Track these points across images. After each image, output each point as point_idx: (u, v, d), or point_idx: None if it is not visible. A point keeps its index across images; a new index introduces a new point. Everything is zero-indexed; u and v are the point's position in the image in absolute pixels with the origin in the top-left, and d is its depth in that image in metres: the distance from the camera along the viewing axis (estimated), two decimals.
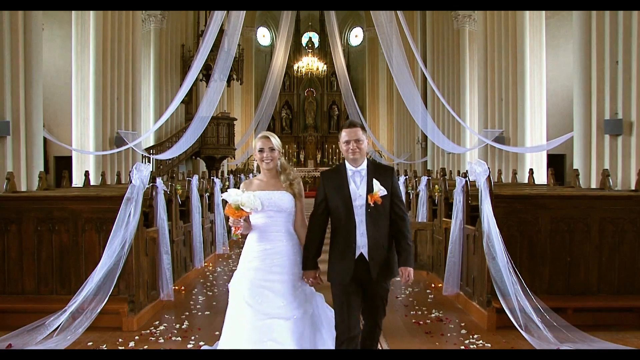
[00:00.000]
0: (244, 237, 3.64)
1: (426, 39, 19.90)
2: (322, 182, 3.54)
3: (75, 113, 13.64)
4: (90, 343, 4.77)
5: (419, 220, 8.37)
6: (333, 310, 3.51)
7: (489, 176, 5.40)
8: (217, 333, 3.70)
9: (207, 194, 9.80)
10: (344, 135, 3.44)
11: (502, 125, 13.28)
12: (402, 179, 10.36)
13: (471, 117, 17.34)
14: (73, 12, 13.55)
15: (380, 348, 4.17)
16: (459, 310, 5.94)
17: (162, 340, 4.90)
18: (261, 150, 3.57)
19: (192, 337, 4.93)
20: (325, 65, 28.17)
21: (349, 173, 3.45)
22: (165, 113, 14.68)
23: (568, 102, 11.86)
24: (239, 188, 3.58)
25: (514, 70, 13.10)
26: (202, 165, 19.57)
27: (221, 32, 14.75)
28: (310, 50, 28.68)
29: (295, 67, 28.16)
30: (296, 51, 28.29)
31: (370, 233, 3.36)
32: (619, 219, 5.56)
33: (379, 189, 3.33)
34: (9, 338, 4.64)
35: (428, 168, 17.74)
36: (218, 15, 13.66)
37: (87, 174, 10.57)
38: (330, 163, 26.84)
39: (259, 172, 3.75)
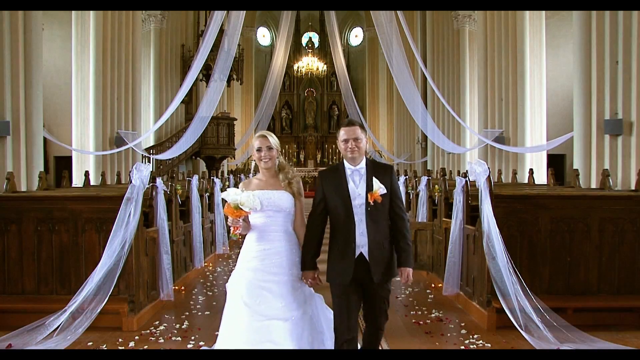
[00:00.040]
0: (244, 237, 3.61)
1: (426, 39, 19.90)
2: (321, 181, 3.50)
3: (75, 113, 13.65)
4: (90, 343, 4.77)
5: (419, 220, 8.37)
6: (332, 311, 3.48)
7: (489, 176, 5.40)
8: (217, 333, 3.69)
9: (207, 194, 9.80)
10: (342, 133, 3.41)
11: (502, 125, 13.27)
12: (402, 179, 10.36)
13: (471, 117, 17.34)
14: (73, 12, 13.55)
15: (380, 348, 4.16)
16: (459, 310, 5.94)
17: (162, 340, 4.90)
18: (259, 150, 3.55)
19: (192, 337, 4.93)
20: (325, 65, 28.18)
21: (348, 172, 3.41)
22: (165, 113, 14.68)
23: (568, 102, 11.86)
24: (238, 188, 3.57)
25: (514, 70, 13.09)
26: (202, 165, 19.56)
27: (221, 32, 14.75)
28: (310, 50, 28.69)
29: (295, 67, 28.16)
30: (296, 51, 28.30)
31: (370, 232, 3.33)
32: (619, 219, 5.56)
33: (379, 187, 3.29)
34: (9, 338, 4.64)
35: (428, 168, 17.74)
36: (218, 15, 13.66)
37: (87, 174, 10.57)
38: (330, 163, 26.83)
39: (256, 173, 3.74)
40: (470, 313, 5.73)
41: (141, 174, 5.32)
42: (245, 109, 27.63)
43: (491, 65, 13.50)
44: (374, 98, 28.82)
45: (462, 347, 4.72)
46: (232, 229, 3.43)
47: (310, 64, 28.07)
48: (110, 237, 5.12)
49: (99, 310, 4.93)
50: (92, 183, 11.33)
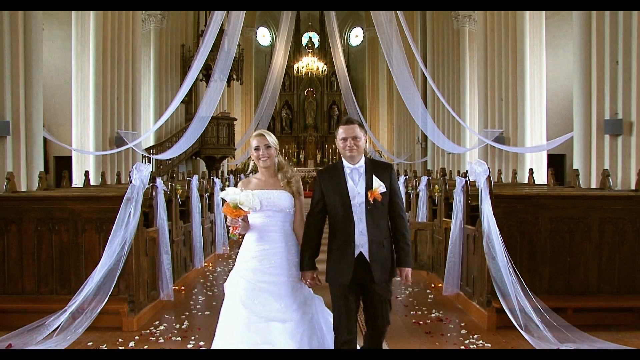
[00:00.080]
0: (244, 236, 3.58)
1: (426, 39, 19.90)
2: (319, 180, 3.45)
3: (75, 113, 13.65)
4: (90, 343, 4.77)
5: (419, 220, 8.37)
6: (332, 314, 3.45)
7: (489, 176, 5.40)
8: None
9: (207, 194, 9.80)
10: (341, 132, 3.37)
11: (502, 125, 13.28)
12: (402, 179, 10.35)
13: (471, 117, 17.34)
14: (73, 12, 13.56)
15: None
16: (459, 310, 5.94)
17: (162, 340, 4.90)
18: (257, 148, 3.52)
19: (192, 337, 4.93)
20: (325, 65, 28.18)
21: (347, 171, 3.37)
22: (165, 113, 14.68)
23: (568, 102, 11.86)
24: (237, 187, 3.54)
25: (514, 70, 13.10)
26: (202, 165, 19.57)
27: (221, 32, 14.76)
28: (310, 50, 28.68)
29: (295, 67, 28.16)
30: (296, 51, 28.29)
31: (370, 231, 3.29)
32: (619, 219, 5.56)
33: (379, 185, 3.26)
34: (9, 338, 4.64)
35: (428, 168, 17.75)
36: (218, 15, 13.66)
37: (87, 174, 10.58)
38: (330, 163, 26.76)
39: (253, 172, 3.71)
40: (470, 313, 5.72)
41: (141, 174, 5.31)
42: (245, 109, 27.63)
43: (491, 65, 13.50)
44: (374, 98, 28.82)
45: (462, 347, 4.72)
46: (231, 228, 3.39)
47: (310, 64, 28.07)
48: (110, 237, 5.12)
49: (99, 310, 4.93)
50: (92, 183, 11.34)
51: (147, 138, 16.59)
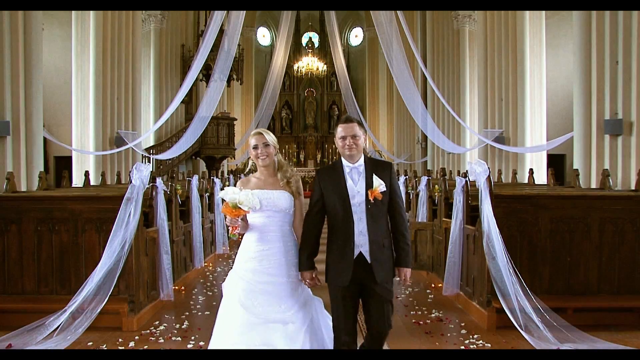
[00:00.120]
0: (243, 236, 3.55)
1: (426, 39, 19.90)
2: (318, 179, 3.40)
3: (75, 113, 13.65)
4: (90, 343, 4.77)
5: (419, 220, 8.37)
6: (331, 316, 3.41)
7: (489, 176, 5.40)
8: None
9: (207, 194, 9.81)
10: (340, 130, 3.33)
11: (502, 125, 13.28)
12: (402, 179, 10.36)
13: (471, 117, 17.34)
14: (73, 12, 13.55)
15: None
16: (459, 310, 5.94)
17: (162, 340, 4.90)
18: (255, 147, 3.48)
19: (192, 337, 4.93)
20: (325, 65, 28.18)
21: (346, 170, 3.32)
22: (165, 113, 14.69)
23: (568, 102, 11.86)
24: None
25: (514, 70, 13.10)
26: (202, 165, 19.57)
27: (221, 32, 14.76)
28: (310, 50, 28.68)
29: (295, 67, 28.16)
30: (296, 51, 28.29)
31: (370, 231, 3.24)
32: (619, 219, 5.56)
33: (380, 184, 3.22)
34: (9, 338, 4.64)
35: (428, 168, 17.75)
36: (218, 15, 13.67)
37: (87, 174, 10.58)
38: (330, 163, 26.78)
39: (252, 172, 3.68)
40: (470, 313, 5.72)
41: (141, 174, 5.31)
42: (245, 109, 27.63)
43: (491, 65, 13.50)
44: (374, 98, 28.81)
45: (462, 347, 4.72)
46: (230, 228, 3.35)
47: (310, 64, 28.07)
48: (110, 237, 5.12)
49: (99, 310, 4.93)
50: (92, 183, 11.34)
51: (147, 138, 16.60)
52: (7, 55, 8.41)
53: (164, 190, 6.33)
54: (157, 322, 5.44)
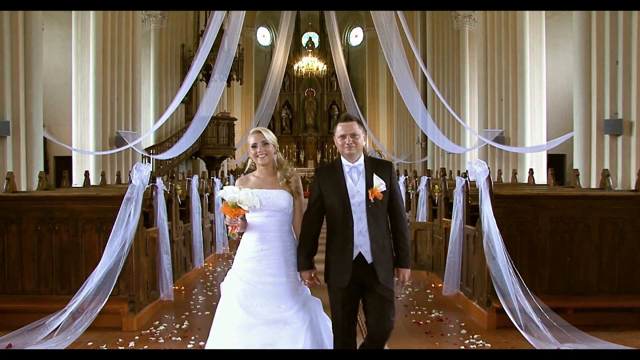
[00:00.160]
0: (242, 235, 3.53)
1: (426, 39, 19.90)
2: (317, 178, 3.35)
3: (75, 113, 13.65)
4: (90, 343, 4.77)
5: (419, 220, 8.37)
6: (330, 319, 3.39)
7: (489, 176, 5.40)
8: None
9: (207, 194, 9.81)
10: (339, 129, 3.29)
11: (502, 125, 13.28)
12: (402, 179, 10.35)
13: (471, 117, 17.34)
14: (73, 12, 13.55)
15: None
16: (459, 310, 5.94)
17: (162, 340, 4.90)
18: (254, 146, 3.45)
19: (192, 337, 4.93)
20: (325, 65, 28.18)
21: (346, 169, 3.28)
22: (165, 113, 14.69)
23: (568, 102, 11.86)
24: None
25: (514, 70, 13.10)
26: (202, 165, 19.57)
27: (221, 32, 14.76)
28: (310, 50, 28.68)
29: (295, 67, 28.16)
30: (296, 51, 28.29)
31: (370, 231, 3.20)
32: (619, 219, 5.56)
33: (380, 184, 3.18)
34: (9, 338, 4.64)
35: (428, 168, 17.74)
36: (218, 15, 13.67)
37: (87, 174, 10.58)
38: (330, 162, 26.74)
39: (251, 171, 3.65)
40: (470, 313, 5.72)
41: (141, 174, 5.31)
42: (245, 109, 27.62)
43: (491, 65, 13.50)
44: (374, 98, 28.81)
45: (462, 347, 4.72)
46: (230, 228, 3.31)
47: (310, 64, 28.07)
48: (110, 237, 5.12)
49: (99, 310, 4.93)
50: (92, 183, 11.34)
51: (147, 138, 16.60)
52: (7, 55, 8.41)
53: (164, 190, 6.33)
54: (157, 322, 5.44)
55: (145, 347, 4.76)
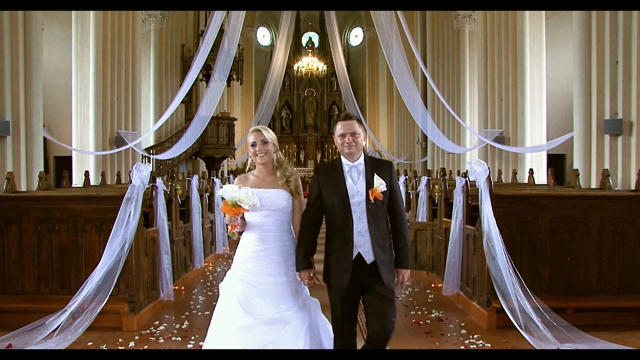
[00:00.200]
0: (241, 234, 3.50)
1: (426, 39, 19.90)
2: (317, 178, 3.31)
3: (75, 113, 13.65)
4: (90, 343, 4.77)
5: (419, 220, 8.37)
6: (330, 322, 3.38)
7: (489, 176, 5.40)
8: None
9: (207, 194, 9.81)
10: (339, 128, 3.25)
11: (502, 125, 13.28)
12: (402, 179, 10.35)
13: (471, 117, 17.34)
14: (73, 12, 13.55)
15: None
16: (459, 310, 5.94)
17: (162, 340, 4.90)
18: (253, 144, 3.42)
19: (192, 337, 4.93)
20: (325, 65, 28.19)
21: (346, 168, 3.25)
22: (165, 113, 14.69)
23: (568, 102, 11.86)
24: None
25: (514, 70, 13.10)
26: (202, 165, 19.57)
27: (221, 32, 14.77)
28: (310, 50, 28.69)
29: (295, 67, 28.17)
30: (296, 51, 28.30)
31: (370, 231, 3.18)
32: (619, 219, 5.56)
33: (381, 184, 3.15)
34: (9, 338, 4.64)
35: (428, 168, 17.75)
36: (218, 15, 13.67)
37: (87, 174, 10.58)
38: (329, 161, 26.73)
39: (250, 170, 3.63)
40: (470, 313, 5.72)
41: (141, 174, 5.31)
42: (245, 109, 27.63)
43: (491, 65, 13.50)
44: (374, 98, 28.81)
45: (462, 347, 4.72)
46: (229, 227, 3.29)
47: (310, 64, 28.08)
48: (110, 237, 5.12)
49: (99, 310, 4.93)
50: (92, 183, 11.34)
51: (147, 138, 16.60)
52: (7, 55, 8.41)
53: (164, 190, 6.33)
54: (157, 322, 5.44)
55: (145, 347, 4.76)
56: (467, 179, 6.27)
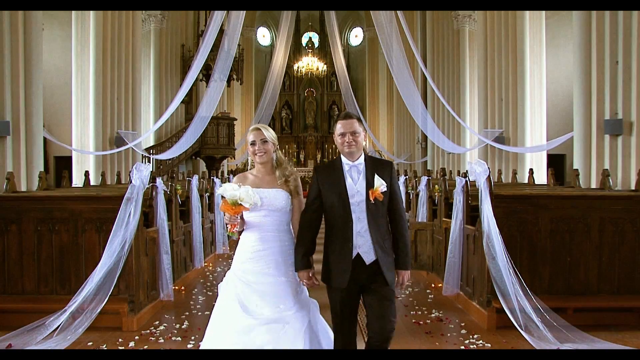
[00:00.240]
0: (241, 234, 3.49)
1: (426, 39, 19.90)
2: (316, 177, 3.28)
3: (75, 113, 13.65)
4: (90, 343, 4.77)
5: (419, 220, 8.37)
6: (327, 321, 3.37)
7: (489, 176, 5.40)
8: None
9: (207, 194, 9.81)
10: (339, 127, 3.22)
11: (502, 125, 13.28)
12: (402, 179, 10.35)
13: (471, 117, 17.35)
14: (73, 12, 13.55)
15: None
16: (459, 310, 5.94)
17: (162, 340, 4.90)
18: (253, 143, 3.39)
19: (192, 337, 4.93)
20: (325, 65, 28.20)
21: (346, 168, 3.22)
22: (165, 113, 14.70)
23: (568, 102, 11.86)
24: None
25: (514, 70, 13.10)
26: (202, 165, 19.57)
27: (221, 32, 14.77)
28: (310, 50, 28.69)
29: (295, 67, 28.18)
30: (296, 51, 28.31)
31: (371, 231, 3.15)
32: (619, 219, 5.56)
33: (381, 184, 3.13)
34: (9, 338, 4.64)
35: (428, 168, 17.75)
36: (218, 15, 13.67)
37: (87, 174, 10.58)
38: (329, 161, 26.74)
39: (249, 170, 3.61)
40: (470, 313, 5.72)
41: (141, 174, 5.31)
42: (245, 109, 27.63)
43: (491, 65, 13.50)
44: (374, 98, 28.82)
45: (462, 347, 4.72)
46: (229, 226, 3.26)
47: (310, 64, 28.08)
48: (110, 237, 5.12)
49: (99, 310, 4.93)
50: (92, 183, 11.34)
51: (147, 138, 16.60)
52: (7, 55, 8.41)
53: (164, 190, 6.33)
54: (157, 322, 5.44)
55: (145, 347, 4.76)
56: (467, 179, 6.27)
